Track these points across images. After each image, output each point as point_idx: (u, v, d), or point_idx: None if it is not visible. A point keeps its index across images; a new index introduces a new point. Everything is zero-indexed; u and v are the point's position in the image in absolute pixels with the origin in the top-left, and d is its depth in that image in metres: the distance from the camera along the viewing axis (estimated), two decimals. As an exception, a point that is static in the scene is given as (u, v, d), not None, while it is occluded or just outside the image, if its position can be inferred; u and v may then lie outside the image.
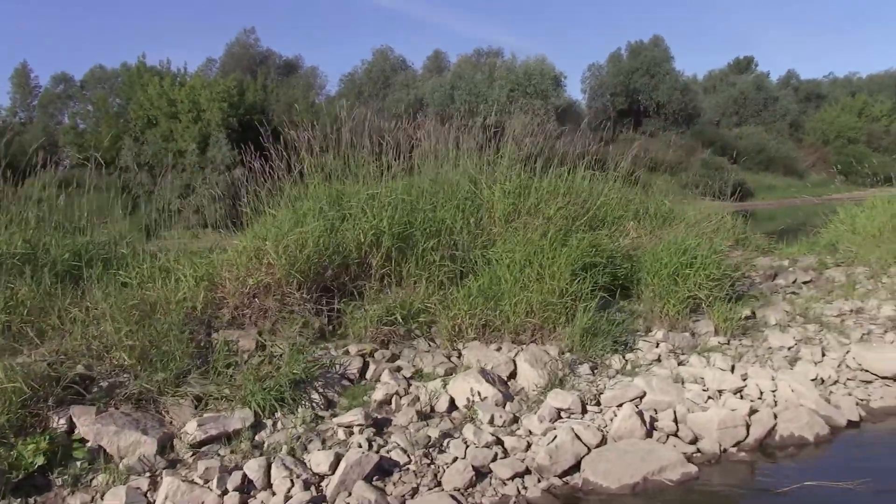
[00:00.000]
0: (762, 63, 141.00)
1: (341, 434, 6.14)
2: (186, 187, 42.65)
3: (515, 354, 7.52)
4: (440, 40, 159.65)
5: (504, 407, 6.79)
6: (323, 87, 68.82)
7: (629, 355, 7.95)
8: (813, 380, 7.92)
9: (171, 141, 49.76)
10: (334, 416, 6.43)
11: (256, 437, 6.01)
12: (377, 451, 5.93)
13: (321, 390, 6.68)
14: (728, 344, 8.50)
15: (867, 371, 8.28)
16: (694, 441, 6.70)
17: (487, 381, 6.88)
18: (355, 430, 6.17)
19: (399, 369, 7.17)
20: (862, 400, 7.74)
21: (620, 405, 6.87)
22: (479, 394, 6.78)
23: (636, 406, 6.94)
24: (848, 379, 8.15)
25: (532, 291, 7.74)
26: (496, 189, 8.96)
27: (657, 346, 8.19)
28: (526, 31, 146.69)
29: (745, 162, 68.98)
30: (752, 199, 64.59)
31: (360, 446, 5.94)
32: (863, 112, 72.65)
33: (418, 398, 6.82)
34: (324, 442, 6.05)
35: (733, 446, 6.72)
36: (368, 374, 7.08)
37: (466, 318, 7.60)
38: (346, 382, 6.94)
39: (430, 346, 7.64)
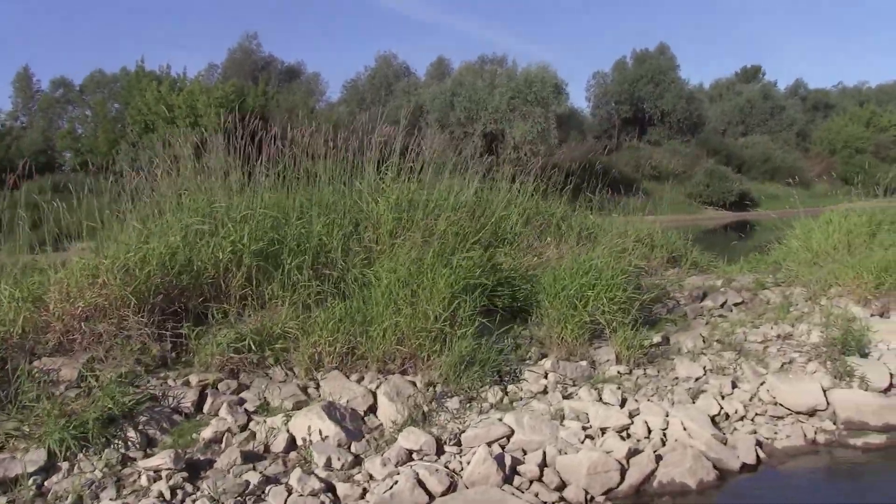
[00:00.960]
0: (770, 72, 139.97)
1: (144, 480, 5.47)
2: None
3: (377, 386, 6.84)
4: (446, 45, 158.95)
5: (349, 447, 6.11)
6: (324, 94, 68.39)
7: (511, 387, 7.25)
8: (715, 416, 7.21)
9: (169, 146, 49.49)
10: (148, 457, 5.76)
11: (46, 484, 5.35)
12: (181, 501, 5.27)
13: (142, 427, 6.02)
14: (629, 374, 7.80)
15: (780, 405, 7.57)
16: (560, 488, 6.00)
17: (332, 417, 6.21)
18: (163, 474, 5.50)
19: (242, 402, 6.51)
20: (767, 438, 7.02)
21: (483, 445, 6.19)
22: (319, 431, 6.11)
23: (501, 446, 6.27)
24: (757, 414, 7.44)
25: (404, 316, 7.06)
26: (381, 202, 8.23)
27: (545, 377, 7.49)
28: (534, 37, 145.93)
29: (751, 171, 68.13)
30: (757, 208, 63.74)
31: (160, 496, 5.28)
32: (871, 122, 71.49)
33: (255, 436, 6.15)
34: (120, 490, 5.37)
35: (603, 494, 6.00)
36: (206, 408, 6.42)
37: (326, 344, 6.92)
38: (177, 417, 6.29)
39: (286, 375, 6.97)
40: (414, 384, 6.86)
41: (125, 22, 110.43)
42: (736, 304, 9.90)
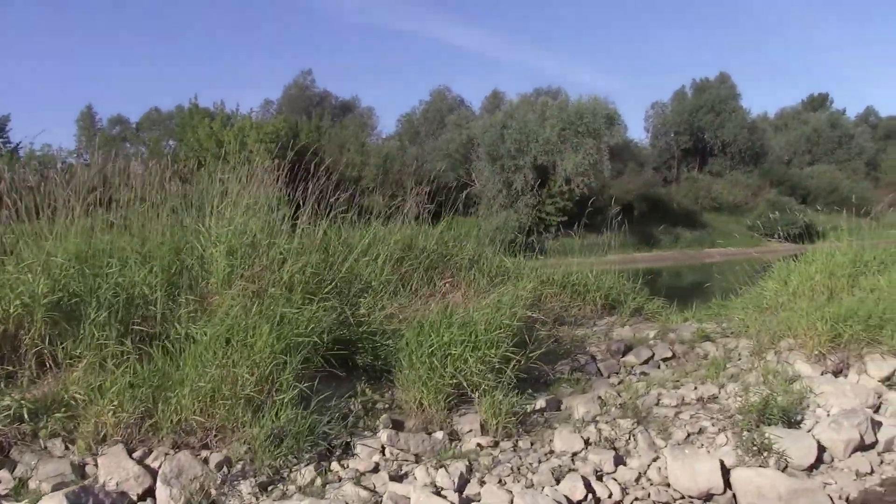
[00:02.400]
0: (839, 100, 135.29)
1: None
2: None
3: (161, 465, 5.86)
4: (505, 78, 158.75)
5: (92, 543, 5.14)
6: (374, 128, 68.62)
7: (336, 465, 6.18)
8: (580, 502, 6.00)
9: (220, 182, 50.10)
10: None
11: None
12: None
13: None
14: (494, 447, 6.64)
15: (671, 487, 6.32)
16: None
17: (77, 506, 5.25)
18: None
19: (-8, 484, 5.61)
20: (640, 534, 5.79)
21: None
22: (54, 525, 5.16)
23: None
24: (637, 499, 6.20)
25: (210, 379, 6.10)
26: (219, 246, 7.22)
27: (383, 451, 6.39)
28: (594, 68, 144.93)
29: (817, 202, 65.16)
30: (823, 240, 60.70)
31: None
32: (946, 149, 67.94)
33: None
34: None
35: None
36: (-53, 490, 5.54)
37: (110, 415, 5.98)
38: (-88, 502, 5.42)
39: (66, 450, 6.05)
40: (205, 462, 5.85)
41: (184, 61, 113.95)
42: (665, 360, 8.63)
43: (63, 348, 6.42)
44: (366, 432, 6.58)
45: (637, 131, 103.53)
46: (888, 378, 8.35)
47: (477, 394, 6.92)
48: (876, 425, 7.22)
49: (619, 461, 6.56)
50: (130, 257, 6.94)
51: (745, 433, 6.84)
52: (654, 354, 8.64)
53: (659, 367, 8.52)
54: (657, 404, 7.53)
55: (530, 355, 7.35)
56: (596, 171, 56.17)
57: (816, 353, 8.43)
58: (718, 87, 71.46)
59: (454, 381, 6.83)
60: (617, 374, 8.26)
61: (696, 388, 7.86)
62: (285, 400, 6.12)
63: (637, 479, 6.41)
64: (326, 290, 7.22)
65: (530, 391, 7.46)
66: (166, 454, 5.94)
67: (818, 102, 79.93)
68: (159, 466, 5.83)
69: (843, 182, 65.37)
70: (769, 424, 6.95)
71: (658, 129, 74.18)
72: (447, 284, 8.55)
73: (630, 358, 8.56)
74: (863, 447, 7.00)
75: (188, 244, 7.29)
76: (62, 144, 63.14)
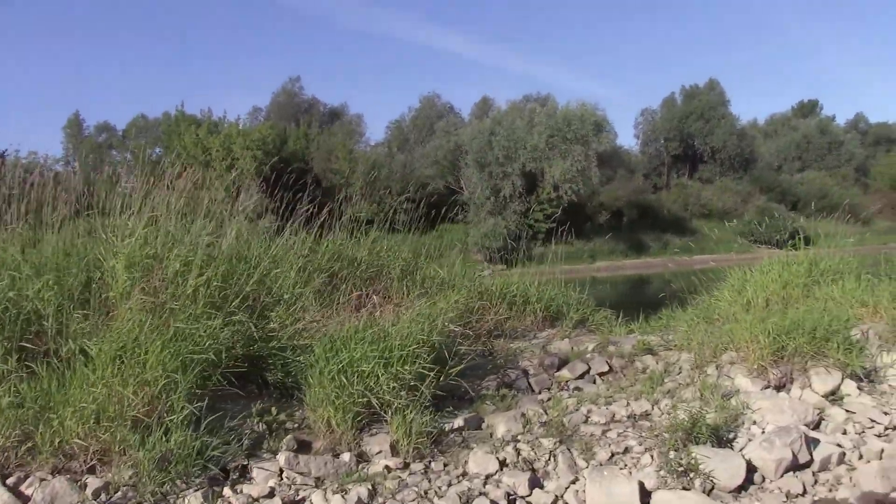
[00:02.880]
0: (830, 107, 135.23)
1: None
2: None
3: (34, 492, 5.51)
4: (494, 84, 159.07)
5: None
6: (363, 135, 68.42)
7: (228, 490, 5.82)
8: (485, 528, 5.65)
9: (205, 189, 49.83)
10: None
11: None
12: None
13: None
14: (404, 469, 6.30)
15: (587, 511, 5.98)
16: None
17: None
18: None
19: None
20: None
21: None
22: None
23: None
24: (549, 525, 5.85)
25: (94, 399, 5.76)
26: (121, 258, 6.85)
27: (280, 475, 6.04)
28: (585, 74, 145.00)
29: (806, 209, 64.92)
30: (812, 247, 60.29)
31: None
32: (936, 155, 67.86)
33: None
34: None
35: None
36: None
37: (-17, 437, 5.63)
38: None
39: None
40: (83, 488, 5.50)
41: (174, 67, 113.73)
42: (602, 374, 8.28)
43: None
44: (266, 454, 6.22)
45: (629, 138, 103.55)
46: (833, 392, 8.03)
47: (389, 413, 6.56)
48: (812, 443, 6.88)
49: (535, 483, 6.21)
50: (24, 270, 6.58)
51: (671, 453, 6.49)
52: (589, 369, 8.29)
53: (595, 382, 8.17)
54: (585, 422, 7.19)
55: (450, 371, 7.01)
56: (584, 178, 55.96)
57: (758, 366, 8.09)
58: (708, 94, 71.41)
59: (364, 399, 6.48)
60: (548, 389, 7.91)
61: (628, 404, 7.52)
62: (177, 421, 5.77)
63: (553, 503, 6.06)
64: (234, 303, 6.86)
65: (451, 409, 7.11)
66: (42, 480, 5.58)
67: (808, 109, 79.85)
68: (33, 493, 5.47)
69: (832, 188, 65.19)
70: (697, 443, 6.61)
71: (648, 136, 74.12)
72: (376, 297, 8.20)
73: (564, 372, 8.21)
74: (796, 467, 6.66)
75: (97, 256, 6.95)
76: (48, 151, 62.89)
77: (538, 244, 57.75)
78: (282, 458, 6.08)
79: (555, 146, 55.68)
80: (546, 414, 7.25)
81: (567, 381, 8.12)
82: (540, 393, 7.83)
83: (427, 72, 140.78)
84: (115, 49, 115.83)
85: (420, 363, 6.68)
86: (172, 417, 5.81)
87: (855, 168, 70.17)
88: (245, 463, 6.06)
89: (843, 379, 8.14)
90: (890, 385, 8.36)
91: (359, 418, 6.55)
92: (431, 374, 6.66)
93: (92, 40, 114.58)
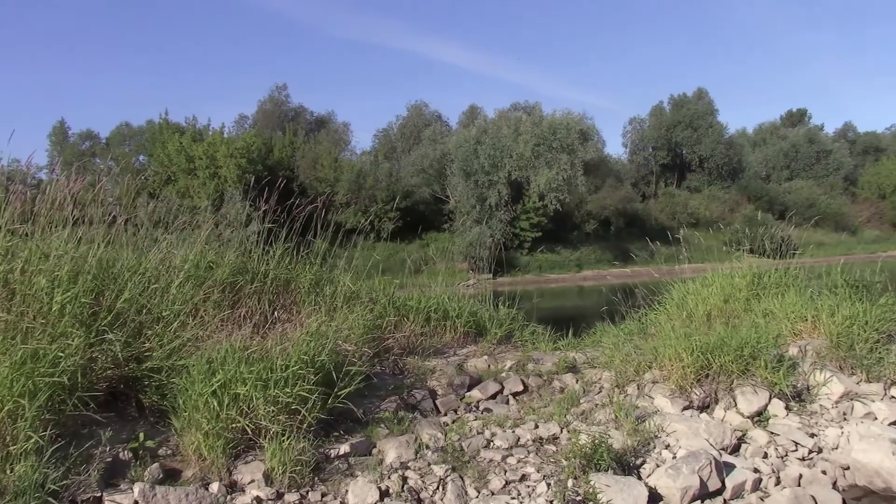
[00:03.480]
0: (819, 116, 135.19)
1: None
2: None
3: None
4: (484, 93, 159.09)
5: None
6: (349, 143, 68.15)
7: (74, 525, 5.36)
8: (353, 566, 5.19)
9: (188, 197, 49.49)
10: None
11: None
12: None
13: None
14: (277, 499, 5.84)
15: (468, 546, 5.52)
16: None
17: None
18: None
19: None
20: None
21: None
22: None
23: None
24: (425, 562, 5.39)
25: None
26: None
27: (135, 507, 5.58)
28: (576, 83, 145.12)
29: (794, 217, 64.56)
30: (800, 256, 59.84)
31: None
32: (924, 164, 67.57)
33: None
34: None
35: None
36: None
37: None
38: None
39: None
40: None
41: (161, 76, 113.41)
42: (516, 394, 7.82)
43: None
44: (126, 485, 5.75)
45: (619, 147, 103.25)
46: (759, 413, 7.62)
47: (264, 439, 6.11)
48: (725, 468, 6.46)
49: (416, 515, 5.76)
50: None
51: (569, 481, 6.05)
52: (503, 388, 7.83)
53: (507, 403, 7.72)
54: (487, 446, 6.74)
55: (339, 393, 6.55)
56: (570, 187, 55.70)
57: (680, 386, 7.65)
58: (696, 103, 71.24)
59: (238, 424, 6.02)
60: (455, 411, 7.45)
61: (536, 426, 7.08)
62: (23, 450, 5.31)
63: (432, 537, 5.62)
64: (106, 320, 6.39)
65: (340, 434, 6.66)
66: None
67: (796, 118, 79.62)
68: None
69: (820, 197, 65.00)
70: (598, 470, 6.16)
71: (636, 145, 73.89)
72: (279, 313, 7.75)
73: (475, 393, 7.74)
74: (705, 495, 6.23)
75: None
76: (34, 159, 62.32)
77: (524, 253, 57.61)
78: (137, 489, 5.61)
79: (540, 155, 55.47)
80: (445, 438, 6.79)
81: (478, 402, 7.66)
82: (445, 415, 7.37)
83: (419, 80, 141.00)
84: (101, 57, 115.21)
85: (302, 385, 6.21)
86: (18, 447, 5.35)
87: (843, 177, 69.88)
88: (98, 495, 5.58)
89: (770, 399, 7.73)
90: (821, 405, 7.95)
91: (232, 445, 6.09)
92: (314, 396, 6.19)
93: (78, 48, 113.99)
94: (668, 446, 6.82)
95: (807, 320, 9.24)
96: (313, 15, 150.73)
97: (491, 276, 51.48)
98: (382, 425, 6.83)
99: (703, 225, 64.76)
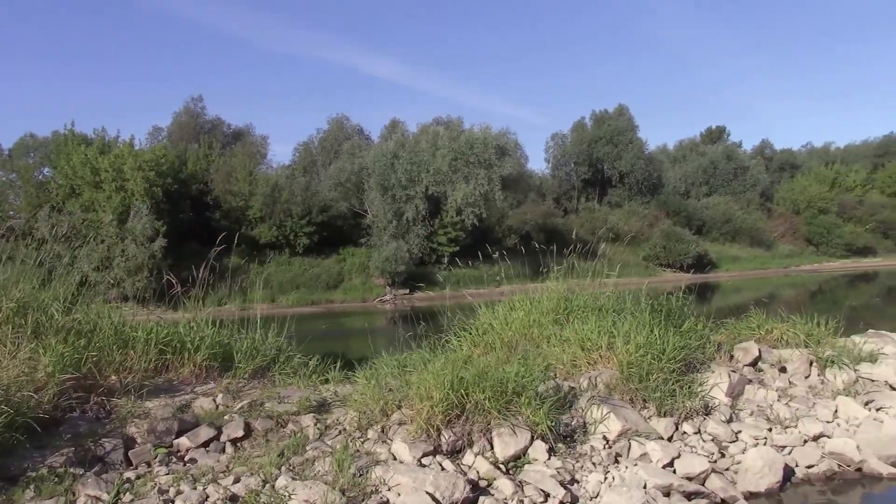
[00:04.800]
0: (738, 134, 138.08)
1: None
2: (105, 259, 39.81)
3: None
4: (412, 107, 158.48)
5: None
6: (265, 156, 66.52)
7: None
8: None
9: (93, 211, 47.31)
10: None
11: None
12: None
13: None
14: None
15: None
16: None
17: None
18: None
19: None
20: None
21: None
22: None
23: None
24: None
25: None
26: None
27: None
28: (505, 98, 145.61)
29: (711, 232, 64.94)
30: (716, 270, 60.20)
31: None
32: (836, 182, 68.79)
33: None
34: None
35: None
36: None
37: None
38: None
39: None
40: None
41: (74, 85, 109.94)
42: (236, 440, 6.71)
43: None
44: None
45: (542, 162, 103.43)
46: (517, 458, 6.67)
47: None
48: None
49: None
50: None
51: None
52: (220, 434, 6.72)
53: (223, 451, 6.61)
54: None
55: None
56: (488, 202, 55.06)
57: (428, 428, 6.64)
58: (617, 119, 71.38)
59: None
60: (148, 463, 6.31)
61: (237, 481, 5.97)
62: None
63: None
64: None
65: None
66: None
67: (716, 135, 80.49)
68: None
69: (737, 213, 65.60)
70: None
71: (558, 160, 73.74)
72: None
73: (184, 440, 6.60)
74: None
75: None
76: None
77: (442, 267, 56.62)
78: None
79: (458, 169, 54.75)
80: (114, 499, 5.65)
81: (185, 451, 6.53)
82: (137, 468, 6.22)
83: (346, 94, 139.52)
84: (8, 66, 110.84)
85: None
86: None
87: (760, 193, 70.76)
88: None
89: (532, 440, 6.78)
90: (592, 446, 7.04)
91: None
92: None
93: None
94: (385, 503, 5.80)
95: (601, 348, 8.36)
96: (239, 26, 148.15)
97: (407, 291, 50.58)
98: (33, 485, 5.66)
99: (622, 240, 64.87)
